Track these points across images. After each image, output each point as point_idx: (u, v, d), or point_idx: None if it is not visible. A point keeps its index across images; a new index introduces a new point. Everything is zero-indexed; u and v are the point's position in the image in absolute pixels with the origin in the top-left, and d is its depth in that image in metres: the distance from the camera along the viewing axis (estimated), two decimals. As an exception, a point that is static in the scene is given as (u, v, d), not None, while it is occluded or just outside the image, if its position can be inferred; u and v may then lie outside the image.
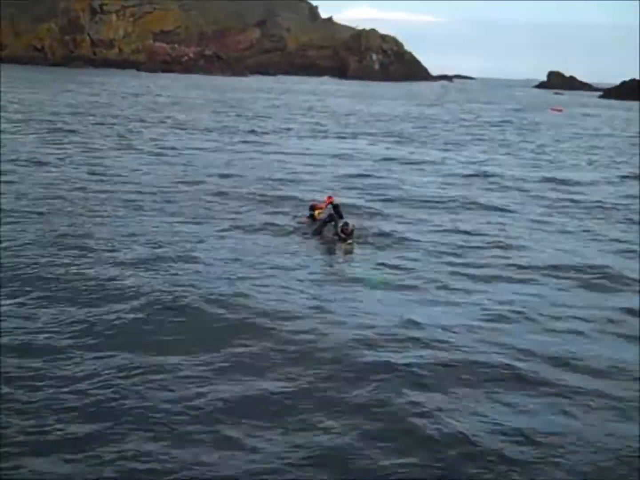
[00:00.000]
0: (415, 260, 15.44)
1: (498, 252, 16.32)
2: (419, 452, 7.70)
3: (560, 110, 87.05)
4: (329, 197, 17.85)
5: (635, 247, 17.36)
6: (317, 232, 16.47)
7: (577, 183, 27.57)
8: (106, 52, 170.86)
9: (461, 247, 16.85)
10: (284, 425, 8.15)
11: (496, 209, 21.47)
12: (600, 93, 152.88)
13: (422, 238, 17.40)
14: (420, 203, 22.04)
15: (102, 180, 22.59)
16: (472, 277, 14.38)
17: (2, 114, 40.76)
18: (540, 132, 51.69)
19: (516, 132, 50.20)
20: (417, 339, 10.81)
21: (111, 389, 8.59)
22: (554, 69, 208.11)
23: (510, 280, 14.26)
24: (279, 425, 8.14)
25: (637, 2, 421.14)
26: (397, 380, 9.25)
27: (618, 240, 18.12)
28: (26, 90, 63.67)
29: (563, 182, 27.49)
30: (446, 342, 10.77)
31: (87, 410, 8.13)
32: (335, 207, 17.11)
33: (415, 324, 11.43)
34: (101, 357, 9.54)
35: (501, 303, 12.83)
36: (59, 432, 7.66)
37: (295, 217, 18.50)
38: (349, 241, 15.92)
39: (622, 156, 38.21)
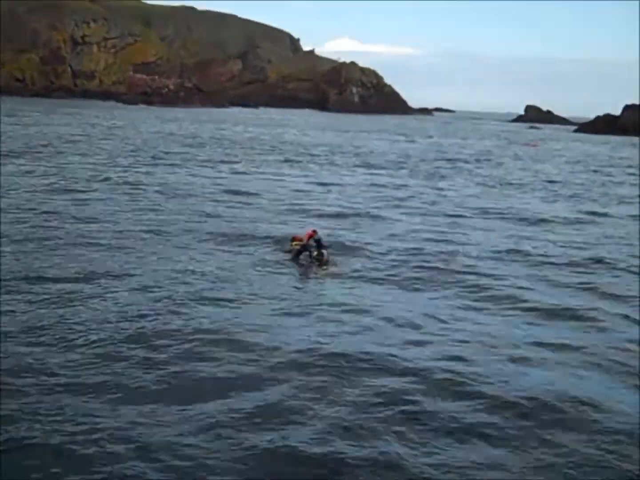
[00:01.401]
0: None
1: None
2: None
3: (535, 146, 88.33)
4: (313, 231, 18.82)
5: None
6: (294, 259, 18.40)
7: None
8: (87, 83, 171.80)
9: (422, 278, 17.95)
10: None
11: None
12: (576, 127, 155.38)
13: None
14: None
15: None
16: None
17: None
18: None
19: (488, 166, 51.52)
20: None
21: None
22: (534, 102, 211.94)
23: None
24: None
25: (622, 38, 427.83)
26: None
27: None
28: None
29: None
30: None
31: None
32: (317, 240, 18.48)
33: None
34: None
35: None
36: None
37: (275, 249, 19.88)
38: (324, 267, 18.02)
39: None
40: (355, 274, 17.80)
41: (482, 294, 16.53)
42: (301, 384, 10.85)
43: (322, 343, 12.57)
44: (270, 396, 10.34)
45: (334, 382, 10.96)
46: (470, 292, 16.69)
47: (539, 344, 13.28)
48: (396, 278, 17.64)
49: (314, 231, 18.78)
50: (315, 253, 18.22)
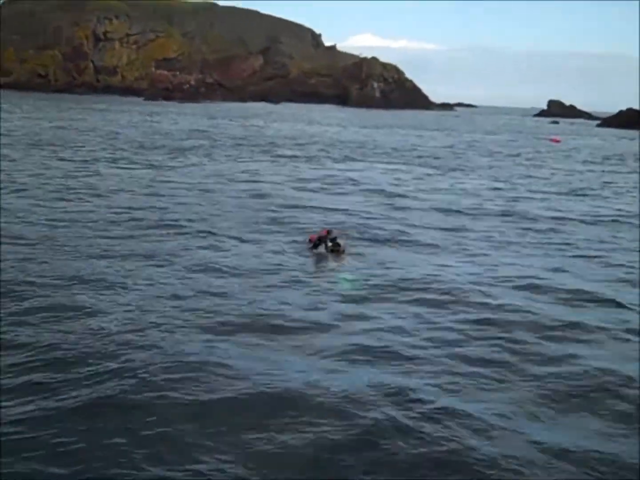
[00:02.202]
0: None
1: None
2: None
3: (558, 141, 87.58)
4: (326, 231, 19.47)
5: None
6: (314, 248, 19.15)
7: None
8: (109, 79, 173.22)
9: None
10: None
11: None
12: (599, 122, 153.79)
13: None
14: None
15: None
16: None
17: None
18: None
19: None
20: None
21: None
22: (558, 96, 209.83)
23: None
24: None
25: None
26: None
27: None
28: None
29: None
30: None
31: None
32: (332, 239, 19.13)
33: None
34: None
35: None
36: None
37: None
38: (342, 257, 18.77)
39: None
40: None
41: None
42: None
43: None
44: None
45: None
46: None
47: None
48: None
49: (328, 231, 19.38)
50: (330, 244, 18.83)
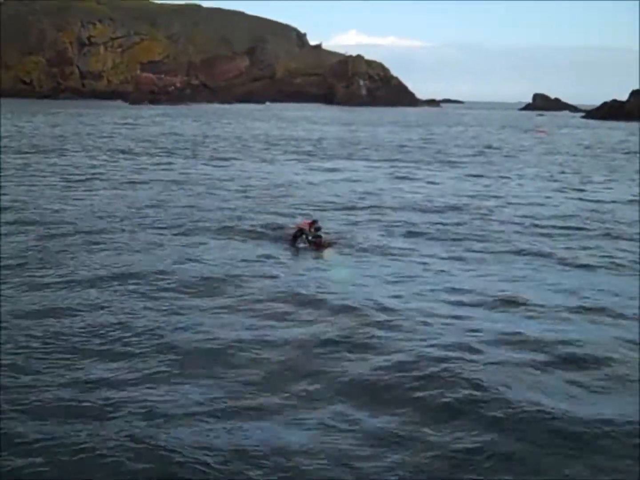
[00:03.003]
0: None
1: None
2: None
3: (544, 132, 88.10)
4: (311, 222, 18.86)
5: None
6: (293, 242, 18.37)
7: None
8: (95, 84, 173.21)
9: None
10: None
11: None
12: (583, 114, 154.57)
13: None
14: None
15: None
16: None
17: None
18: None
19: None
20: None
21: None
22: (544, 90, 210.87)
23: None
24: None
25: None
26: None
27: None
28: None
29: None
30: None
31: None
32: (317, 229, 18.38)
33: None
34: None
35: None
36: None
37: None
38: (325, 249, 17.90)
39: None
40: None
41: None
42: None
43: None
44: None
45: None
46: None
47: None
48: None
49: (312, 222, 18.80)
50: (310, 237, 17.99)
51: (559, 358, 10.75)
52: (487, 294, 14.07)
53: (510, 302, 13.53)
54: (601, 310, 13.25)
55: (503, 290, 14.31)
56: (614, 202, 27.52)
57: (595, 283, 15.25)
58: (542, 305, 13.34)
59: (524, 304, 13.41)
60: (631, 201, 27.96)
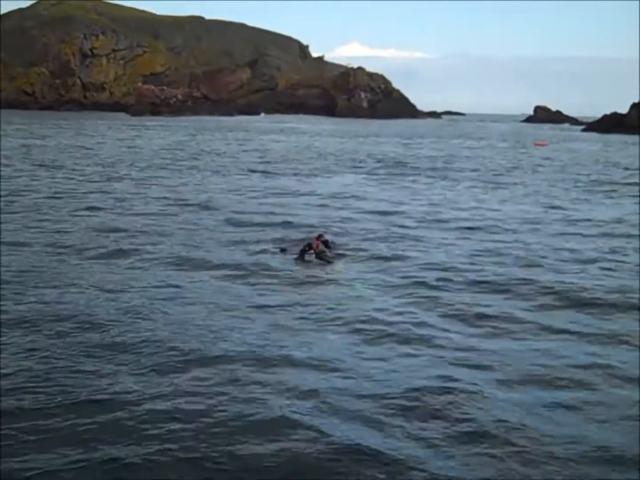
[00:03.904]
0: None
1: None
2: None
3: (544, 145, 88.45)
4: (318, 235, 19.45)
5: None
6: (300, 257, 18.71)
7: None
8: (97, 95, 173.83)
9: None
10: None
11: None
12: (584, 127, 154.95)
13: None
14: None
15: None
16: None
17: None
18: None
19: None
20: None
21: None
22: (546, 102, 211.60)
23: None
24: None
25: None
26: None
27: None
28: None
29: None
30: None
31: None
32: (325, 242, 19.04)
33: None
34: None
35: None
36: None
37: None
38: (329, 263, 18.41)
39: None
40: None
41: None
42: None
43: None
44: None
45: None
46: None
47: None
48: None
49: (320, 235, 19.41)
50: (313, 253, 18.47)
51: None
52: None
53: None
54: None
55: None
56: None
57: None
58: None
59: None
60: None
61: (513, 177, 44.70)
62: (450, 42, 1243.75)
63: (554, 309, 14.96)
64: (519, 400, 10.17)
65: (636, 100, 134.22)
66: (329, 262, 18.34)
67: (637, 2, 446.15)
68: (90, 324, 12.84)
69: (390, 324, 13.42)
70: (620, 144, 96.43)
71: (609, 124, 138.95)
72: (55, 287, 15.22)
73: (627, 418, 9.78)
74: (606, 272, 18.31)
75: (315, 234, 19.72)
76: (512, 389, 10.58)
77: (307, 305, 14.53)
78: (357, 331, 13.01)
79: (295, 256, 18.79)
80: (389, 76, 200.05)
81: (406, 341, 12.54)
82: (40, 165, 41.79)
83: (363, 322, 13.48)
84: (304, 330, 13.02)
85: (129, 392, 9.93)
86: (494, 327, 13.63)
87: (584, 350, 12.50)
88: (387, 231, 23.43)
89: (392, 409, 9.71)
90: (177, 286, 15.62)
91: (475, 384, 10.61)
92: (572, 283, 16.85)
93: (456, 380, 10.71)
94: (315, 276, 17.17)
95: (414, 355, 11.91)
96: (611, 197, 35.49)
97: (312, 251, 18.54)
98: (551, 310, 14.85)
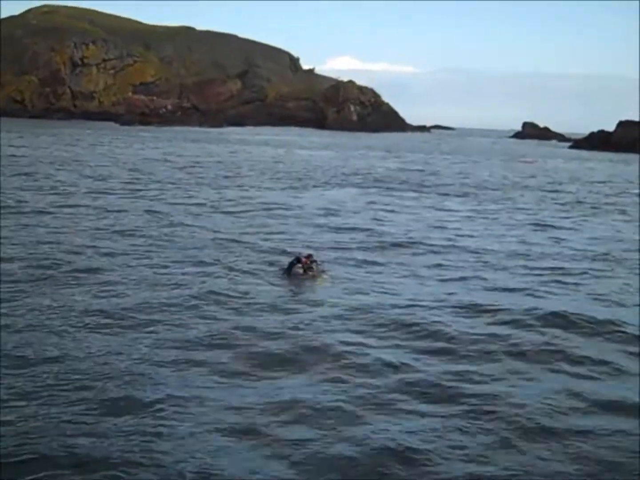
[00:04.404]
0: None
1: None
2: None
3: (531, 162, 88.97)
4: (307, 255, 19.91)
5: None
6: (287, 272, 19.41)
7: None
8: (86, 105, 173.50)
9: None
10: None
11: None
12: (571, 143, 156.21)
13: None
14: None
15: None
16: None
17: None
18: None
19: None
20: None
21: None
22: (535, 118, 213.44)
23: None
24: None
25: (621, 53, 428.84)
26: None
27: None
28: None
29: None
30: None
31: None
32: (313, 262, 19.60)
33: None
34: None
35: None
36: None
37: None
38: (318, 277, 19.29)
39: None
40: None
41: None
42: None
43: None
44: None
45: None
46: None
47: None
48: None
49: (309, 255, 19.85)
50: (300, 267, 19.19)
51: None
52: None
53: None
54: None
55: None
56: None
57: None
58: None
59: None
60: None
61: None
62: (442, 57, 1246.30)
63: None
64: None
65: (626, 118, 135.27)
66: (315, 276, 19.12)
67: (630, 20, 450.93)
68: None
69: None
70: (605, 162, 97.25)
71: (596, 141, 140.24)
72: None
73: None
74: None
75: (305, 254, 20.09)
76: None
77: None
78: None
79: (282, 271, 19.50)
80: (379, 90, 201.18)
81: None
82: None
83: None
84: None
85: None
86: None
87: None
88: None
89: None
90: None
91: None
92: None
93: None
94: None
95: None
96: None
97: (300, 265, 19.18)
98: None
